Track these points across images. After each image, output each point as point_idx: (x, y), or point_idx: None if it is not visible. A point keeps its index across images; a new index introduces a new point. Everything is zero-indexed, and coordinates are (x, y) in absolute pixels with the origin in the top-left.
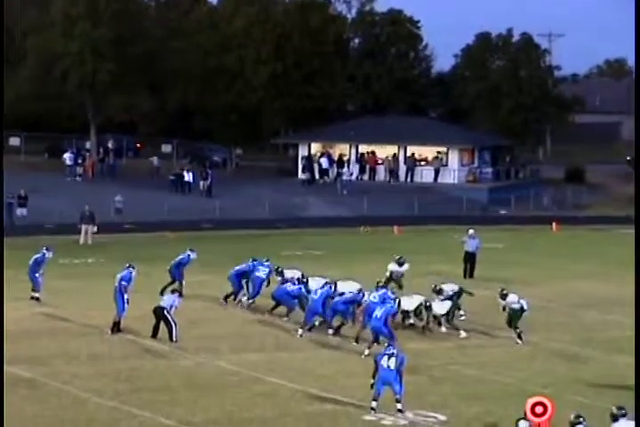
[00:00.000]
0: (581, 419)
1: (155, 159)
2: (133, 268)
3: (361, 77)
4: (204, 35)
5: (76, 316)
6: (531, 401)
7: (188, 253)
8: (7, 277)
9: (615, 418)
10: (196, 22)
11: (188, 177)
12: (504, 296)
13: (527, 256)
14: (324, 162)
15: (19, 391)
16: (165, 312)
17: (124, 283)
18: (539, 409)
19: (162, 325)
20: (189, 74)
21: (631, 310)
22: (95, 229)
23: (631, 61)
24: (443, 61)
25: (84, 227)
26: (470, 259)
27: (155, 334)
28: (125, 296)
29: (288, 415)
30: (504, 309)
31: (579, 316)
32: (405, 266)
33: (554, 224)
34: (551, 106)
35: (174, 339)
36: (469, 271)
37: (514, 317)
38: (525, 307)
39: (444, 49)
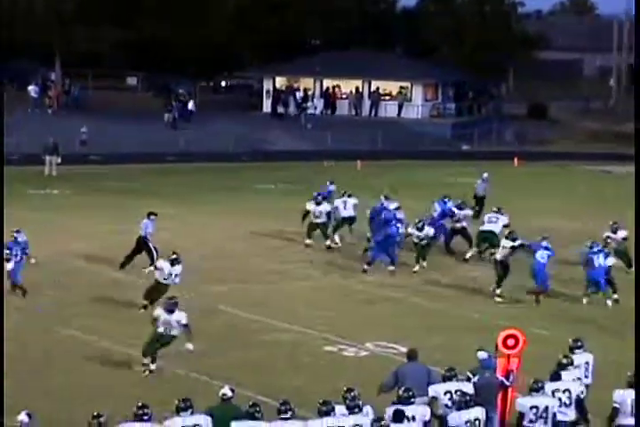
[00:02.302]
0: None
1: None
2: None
3: (327, 13)
4: None
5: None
6: (503, 334)
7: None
8: None
9: (572, 350)
10: None
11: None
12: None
13: (493, 192)
14: (298, 96)
15: None
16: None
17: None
18: (510, 342)
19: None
20: (156, 7)
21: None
22: (59, 160)
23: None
24: None
25: (47, 158)
26: (479, 202)
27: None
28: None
29: (249, 345)
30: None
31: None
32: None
33: (515, 159)
34: (515, 42)
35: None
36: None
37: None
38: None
39: None
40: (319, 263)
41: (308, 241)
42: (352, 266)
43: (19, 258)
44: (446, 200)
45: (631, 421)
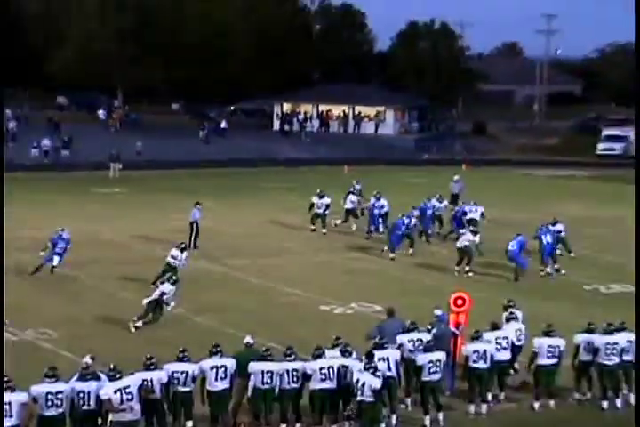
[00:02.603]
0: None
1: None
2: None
3: (321, 56)
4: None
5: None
6: (453, 296)
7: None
8: (54, 203)
9: (506, 308)
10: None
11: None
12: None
13: (443, 189)
14: (299, 118)
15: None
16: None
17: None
18: (459, 302)
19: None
20: (192, 51)
21: (520, 230)
22: (120, 166)
23: (521, 44)
24: (382, 43)
25: (112, 165)
26: (454, 199)
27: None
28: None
29: (264, 305)
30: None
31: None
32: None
33: (464, 165)
34: (463, 77)
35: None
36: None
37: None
38: None
39: (383, 33)
40: (318, 243)
41: (312, 227)
42: (347, 246)
43: (61, 250)
44: (441, 199)
45: (547, 361)
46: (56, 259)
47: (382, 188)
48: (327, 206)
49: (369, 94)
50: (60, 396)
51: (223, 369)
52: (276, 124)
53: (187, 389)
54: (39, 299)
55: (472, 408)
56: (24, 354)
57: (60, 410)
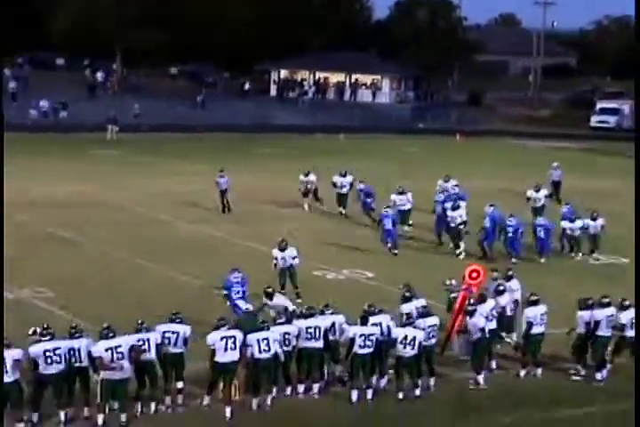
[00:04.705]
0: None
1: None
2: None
3: (320, 23)
4: None
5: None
6: (469, 268)
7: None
8: (52, 164)
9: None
10: None
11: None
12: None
13: (438, 158)
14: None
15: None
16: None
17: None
18: (474, 274)
19: None
20: (193, 16)
21: (516, 201)
22: (117, 128)
23: (519, 15)
24: (380, 12)
25: (109, 127)
26: (556, 187)
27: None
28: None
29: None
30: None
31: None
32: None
33: (458, 135)
34: (459, 47)
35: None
36: (556, 197)
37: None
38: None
39: (381, 2)
40: (314, 210)
41: (340, 210)
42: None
43: None
44: (447, 178)
45: (538, 330)
46: None
47: (379, 156)
48: (351, 185)
49: (366, 63)
50: (57, 352)
51: (232, 340)
52: (273, 91)
53: (178, 350)
54: (36, 258)
55: (480, 378)
56: (20, 312)
57: (61, 367)
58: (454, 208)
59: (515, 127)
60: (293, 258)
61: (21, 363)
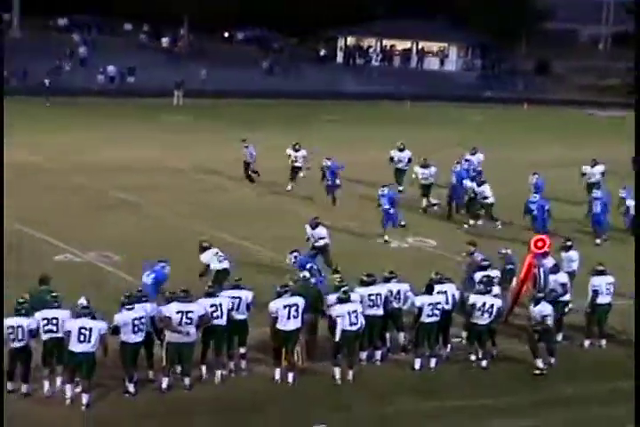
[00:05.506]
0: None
1: None
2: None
3: None
4: None
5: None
6: (534, 238)
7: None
8: (122, 126)
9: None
10: None
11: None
12: None
13: (502, 125)
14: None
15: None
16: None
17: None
18: (539, 244)
19: None
20: None
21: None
22: (182, 93)
23: None
24: None
25: (176, 92)
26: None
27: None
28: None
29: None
30: None
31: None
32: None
33: (525, 104)
34: (528, 15)
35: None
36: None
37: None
38: None
39: None
40: (380, 178)
41: (399, 188)
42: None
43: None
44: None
45: (604, 299)
46: None
47: (443, 124)
48: (409, 160)
49: (433, 30)
50: (143, 320)
51: (295, 308)
52: (340, 57)
53: (242, 316)
54: (102, 223)
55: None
56: (86, 276)
57: (144, 334)
58: (480, 184)
59: (583, 96)
60: (321, 238)
61: (106, 337)
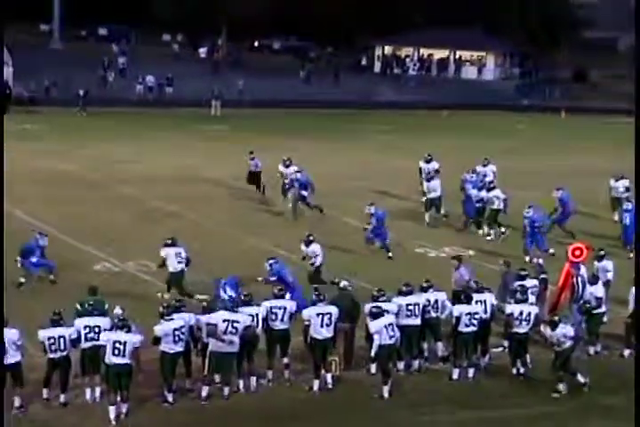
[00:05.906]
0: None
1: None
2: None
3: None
4: None
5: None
6: (571, 246)
7: None
8: (160, 136)
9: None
10: None
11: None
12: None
13: (542, 133)
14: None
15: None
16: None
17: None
18: (577, 252)
19: None
20: None
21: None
22: (220, 103)
23: None
24: None
25: (213, 102)
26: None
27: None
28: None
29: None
30: None
31: (581, 183)
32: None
33: (562, 112)
34: (567, 23)
35: None
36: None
37: None
38: None
39: None
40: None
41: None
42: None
43: None
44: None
45: None
46: None
47: (486, 134)
48: (437, 171)
49: (470, 39)
50: (183, 330)
51: (328, 316)
52: (377, 67)
53: (284, 327)
54: (140, 232)
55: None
56: (125, 285)
57: (184, 344)
58: (489, 190)
59: (621, 105)
60: (316, 256)
61: (139, 350)
